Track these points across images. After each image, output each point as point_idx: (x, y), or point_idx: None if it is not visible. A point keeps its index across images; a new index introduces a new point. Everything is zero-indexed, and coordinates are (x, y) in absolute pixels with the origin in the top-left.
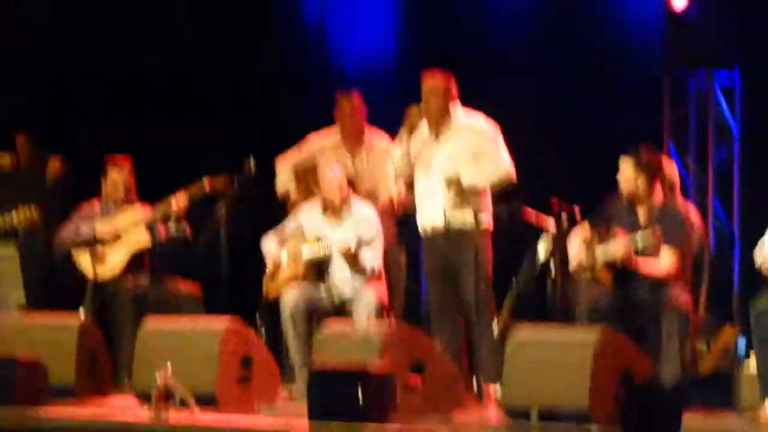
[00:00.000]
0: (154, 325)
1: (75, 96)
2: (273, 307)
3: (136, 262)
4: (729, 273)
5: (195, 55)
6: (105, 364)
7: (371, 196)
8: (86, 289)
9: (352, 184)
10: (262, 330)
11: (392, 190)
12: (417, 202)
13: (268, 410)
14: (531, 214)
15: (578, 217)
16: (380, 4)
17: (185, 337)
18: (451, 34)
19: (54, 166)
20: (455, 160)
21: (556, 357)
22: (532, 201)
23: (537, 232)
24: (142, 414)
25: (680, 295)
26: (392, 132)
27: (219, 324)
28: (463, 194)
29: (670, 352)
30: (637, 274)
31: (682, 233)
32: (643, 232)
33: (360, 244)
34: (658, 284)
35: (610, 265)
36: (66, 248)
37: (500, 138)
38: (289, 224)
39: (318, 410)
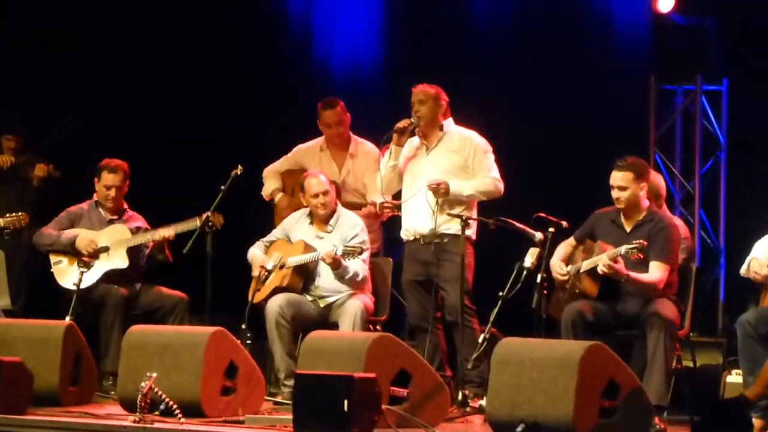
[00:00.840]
0: (139, 333)
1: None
2: (258, 316)
3: (120, 272)
4: (715, 285)
5: (183, 66)
6: (90, 371)
7: (357, 205)
8: (71, 297)
9: (338, 192)
10: (248, 338)
11: (378, 199)
12: (403, 211)
13: (253, 419)
14: (517, 226)
15: (565, 229)
16: (367, 15)
17: (170, 346)
18: (436, 44)
19: (41, 168)
20: (444, 171)
21: (541, 370)
22: (518, 213)
23: (523, 244)
24: (127, 422)
25: (666, 308)
26: (378, 140)
27: (204, 332)
28: (447, 202)
29: (655, 365)
30: (623, 286)
31: (668, 246)
32: (629, 245)
33: (345, 251)
34: (644, 297)
35: (596, 278)
36: (43, 250)
37: (491, 154)
38: (276, 233)
39: (303, 418)
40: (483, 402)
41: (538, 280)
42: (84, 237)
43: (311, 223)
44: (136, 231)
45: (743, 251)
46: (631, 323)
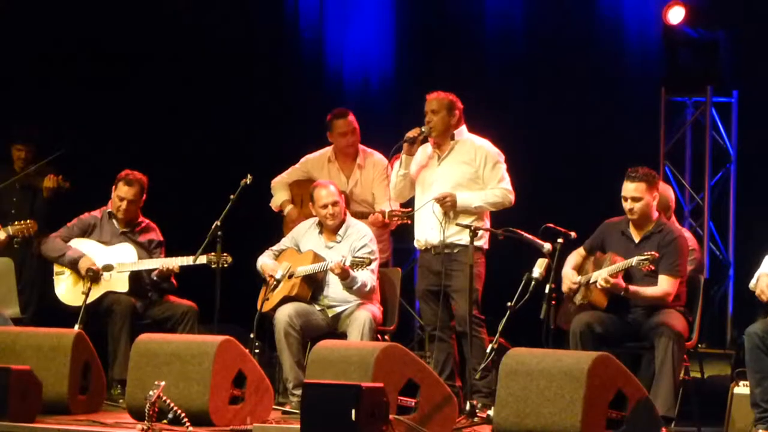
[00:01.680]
0: (147, 341)
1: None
2: (267, 325)
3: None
4: (724, 297)
5: (193, 77)
6: (99, 380)
7: (365, 215)
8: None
9: (346, 203)
10: (256, 347)
11: (387, 207)
12: (415, 220)
13: (262, 428)
14: (526, 237)
15: (573, 240)
16: (377, 24)
17: (179, 354)
18: (447, 55)
19: (51, 179)
20: (454, 182)
21: (549, 381)
22: (526, 223)
23: (532, 255)
24: (135, 431)
25: (674, 319)
26: (389, 151)
27: (212, 341)
28: (457, 213)
29: (663, 376)
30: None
31: (677, 258)
32: (640, 256)
33: (354, 262)
34: (653, 308)
35: (605, 289)
36: (48, 259)
37: (503, 164)
38: (285, 242)
39: (311, 427)
40: (491, 412)
41: (547, 290)
42: (86, 259)
43: (320, 232)
44: (147, 245)
45: (752, 263)
46: (639, 335)
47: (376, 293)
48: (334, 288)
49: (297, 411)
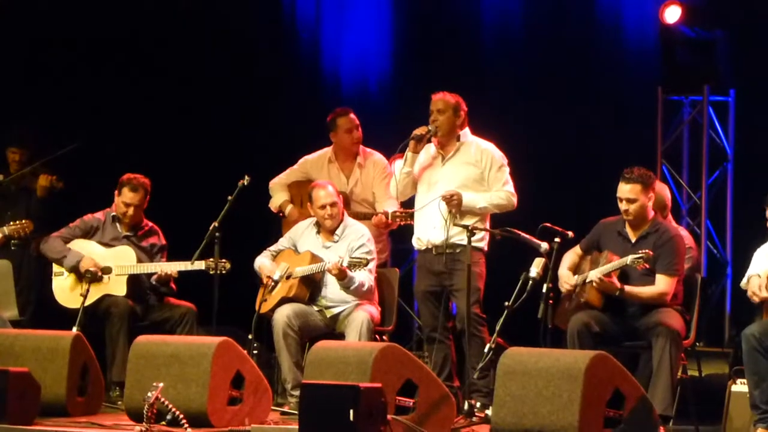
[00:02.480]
0: (145, 343)
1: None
2: (266, 326)
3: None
4: (722, 295)
5: (190, 77)
6: (97, 382)
7: (366, 215)
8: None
9: (345, 203)
10: (254, 348)
11: (389, 208)
12: (416, 220)
13: (260, 429)
14: (523, 236)
15: (570, 239)
16: (375, 25)
17: (177, 356)
18: (446, 56)
19: (45, 179)
20: (459, 183)
21: (546, 380)
22: (524, 223)
23: (529, 254)
24: None
25: (672, 318)
26: (387, 151)
27: (211, 343)
28: (460, 213)
29: (661, 375)
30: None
31: (674, 258)
32: (635, 255)
33: (351, 262)
34: (650, 307)
35: (599, 288)
36: (47, 258)
37: (506, 167)
38: (283, 242)
39: (309, 428)
40: (489, 412)
41: (544, 290)
42: (87, 260)
43: (318, 232)
44: (149, 250)
45: (750, 262)
46: (636, 334)
47: (374, 293)
48: (332, 288)
49: (295, 412)
